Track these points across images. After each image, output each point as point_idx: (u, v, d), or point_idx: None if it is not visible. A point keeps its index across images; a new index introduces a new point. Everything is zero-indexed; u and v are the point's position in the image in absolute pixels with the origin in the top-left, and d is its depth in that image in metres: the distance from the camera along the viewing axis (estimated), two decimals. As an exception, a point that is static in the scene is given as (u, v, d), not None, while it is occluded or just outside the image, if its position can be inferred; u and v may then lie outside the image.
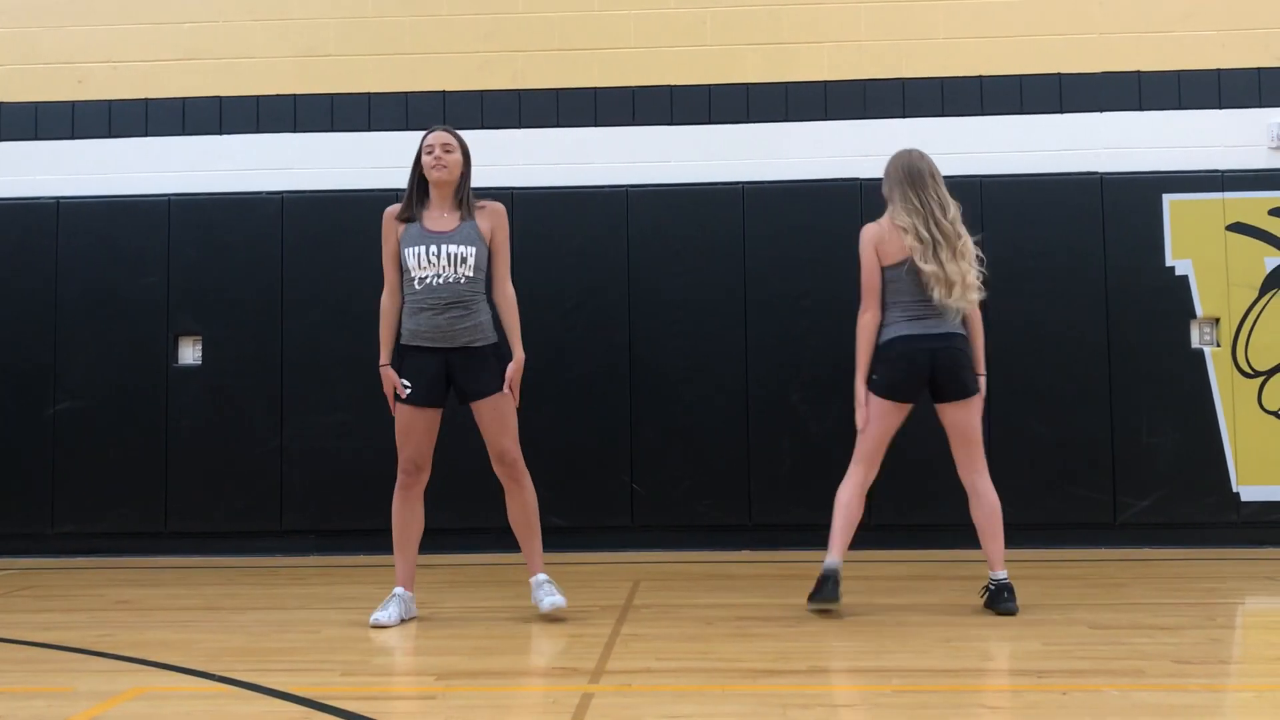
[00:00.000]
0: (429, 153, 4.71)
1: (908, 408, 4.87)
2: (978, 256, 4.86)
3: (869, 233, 4.90)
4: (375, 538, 6.87)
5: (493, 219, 4.78)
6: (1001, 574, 4.81)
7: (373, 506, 7.13)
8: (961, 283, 4.75)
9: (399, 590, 4.76)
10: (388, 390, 4.74)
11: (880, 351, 4.85)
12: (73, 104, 7.39)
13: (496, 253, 4.79)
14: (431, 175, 4.70)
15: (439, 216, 4.73)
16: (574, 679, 3.72)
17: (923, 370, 4.78)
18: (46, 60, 7.42)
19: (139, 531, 7.05)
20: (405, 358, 4.71)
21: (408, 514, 4.81)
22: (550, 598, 4.71)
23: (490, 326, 4.75)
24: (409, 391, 4.68)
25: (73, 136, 7.38)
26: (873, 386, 4.84)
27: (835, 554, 4.83)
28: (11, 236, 7.23)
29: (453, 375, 4.70)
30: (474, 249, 4.68)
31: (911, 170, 4.88)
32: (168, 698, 3.57)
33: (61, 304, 7.17)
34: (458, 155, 4.75)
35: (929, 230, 4.77)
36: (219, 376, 7.12)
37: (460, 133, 4.84)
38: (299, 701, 3.45)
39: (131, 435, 7.08)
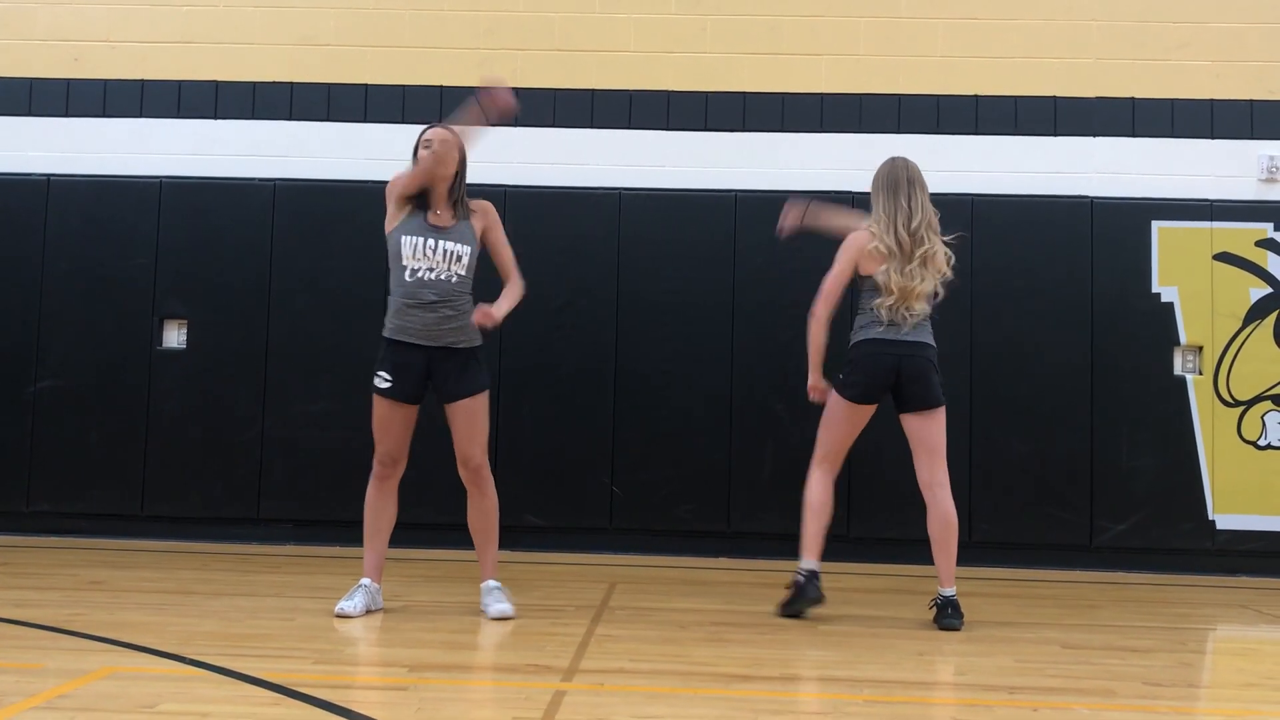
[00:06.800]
0: (426, 148, 4.73)
1: (872, 410, 4.95)
2: (947, 259, 4.91)
3: (855, 241, 4.98)
4: (353, 529, 6.79)
5: (485, 218, 4.81)
6: (950, 590, 4.83)
7: (351, 497, 7.08)
8: (910, 295, 4.82)
9: (366, 581, 4.78)
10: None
11: (849, 353, 4.95)
12: (68, 81, 7.35)
13: (499, 246, 4.83)
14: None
15: (437, 212, 4.75)
16: (547, 676, 3.73)
17: (888, 374, 4.86)
18: (43, 37, 7.39)
19: (115, 513, 7.01)
20: (388, 351, 4.71)
21: (381, 505, 4.84)
22: (499, 604, 4.72)
23: (476, 329, 4.74)
24: (388, 385, 4.68)
25: (67, 114, 7.34)
26: (842, 390, 4.91)
27: (813, 556, 4.89)
28: (1, 212, 7.19)
29: (433, 373, 4.71)
30: (469, 249, 4.71)
31: (891, 178, 4.98)
32: (137, 678, 3.56)
33: (47, 281, 7.13)
34: (454, 152, 4.76)
35: (895, 239, 4.85)
36: (203, 361, 7.09)
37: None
38: (269, 687, 3.44)
39: (112, 417, 7.05)
